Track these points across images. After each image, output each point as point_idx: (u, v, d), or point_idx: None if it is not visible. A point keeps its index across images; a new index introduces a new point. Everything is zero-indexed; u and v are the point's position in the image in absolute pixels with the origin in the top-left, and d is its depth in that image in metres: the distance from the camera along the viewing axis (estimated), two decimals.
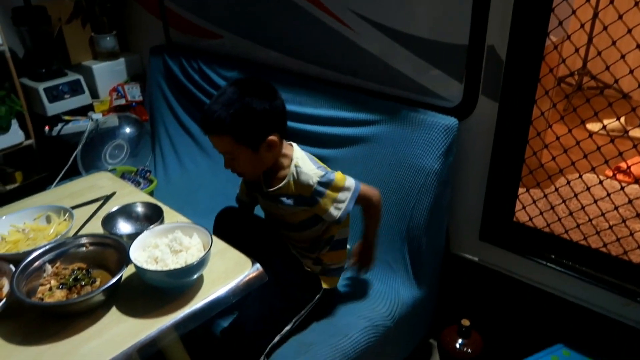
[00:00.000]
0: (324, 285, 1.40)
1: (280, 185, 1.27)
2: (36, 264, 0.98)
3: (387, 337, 1.45)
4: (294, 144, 1.33)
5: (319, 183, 1.24)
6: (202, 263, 0.95)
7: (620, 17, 1.21)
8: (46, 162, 2.36)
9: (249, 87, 1.21)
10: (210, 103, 1.21)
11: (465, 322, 1.60)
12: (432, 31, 1.47)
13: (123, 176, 2.07)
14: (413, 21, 1.50)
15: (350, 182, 1.27)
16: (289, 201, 1.27)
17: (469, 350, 1.59)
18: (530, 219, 1.53)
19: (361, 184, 1.30)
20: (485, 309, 1.71)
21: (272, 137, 1.21)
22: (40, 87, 2.25)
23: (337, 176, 1.26)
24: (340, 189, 1.25)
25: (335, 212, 1.25)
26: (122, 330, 0.90)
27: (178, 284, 0.97)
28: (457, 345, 1.60)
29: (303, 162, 1.27)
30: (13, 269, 0.96)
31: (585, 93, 2.15)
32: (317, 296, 1.37)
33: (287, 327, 1.32)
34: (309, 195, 1.24)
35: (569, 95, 1.48)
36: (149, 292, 0.97)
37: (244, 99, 1.18)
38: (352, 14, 1.62)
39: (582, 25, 1.28)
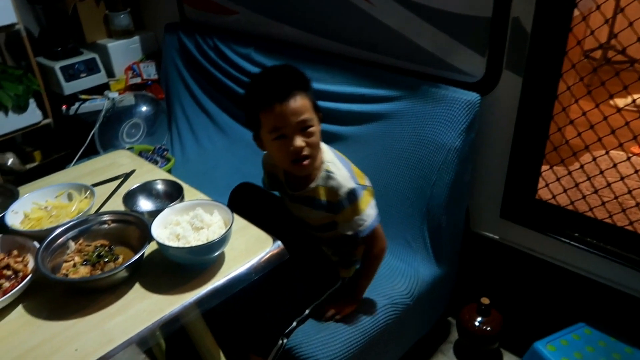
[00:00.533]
0: (342, 275, 1.38)
1: (307, 188, 1.22)
2: (59, 240, 0.98)
3: (406, 315, 1.44)
4: (323, 144, 1.25)
5: (347, 195, 1.18)
6: (223, 240, 0.95)
7: None
8: (64, 141, 2.38)
9: (288, 68, 1.18)
10: (264, 77, 1.18)
11: (485, 301, 1.59)
12: (453, 3, 1.43)
13: (140, 155, 2.07)
14: None
15: (372, 211, 1.22)
16: (320, 207, 1.23)
17: (488, 328, 1.59)
18: (554, 197, 1.50)
19: (378, 225, 1.25)
20: (505, 287, 1.69)
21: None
22: (57, 66, 2.25)
23: (365, 195, 1.20)
24: (361, 211, 1.20)
25: (351, 229, 1.21)
26: (146, 306, 0.90)
27: (200, 261, 0.97)
28: (476, 323, 1.59)
29: (334, 167, 1.21)
30: (37, 245, 0.97)
31: (612, 68, 2.07)
32: (336, 286, 1.36)
33: (306, 312, 1.31)
34: (335, 202, 1.20)
35: (597, 68, 1.43)
36: (171, 269, 0.97)
37: (296, 70, 1.16)
38: None
39: None
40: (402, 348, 1.56)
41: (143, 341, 0.86)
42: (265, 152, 1.31)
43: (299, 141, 1.12)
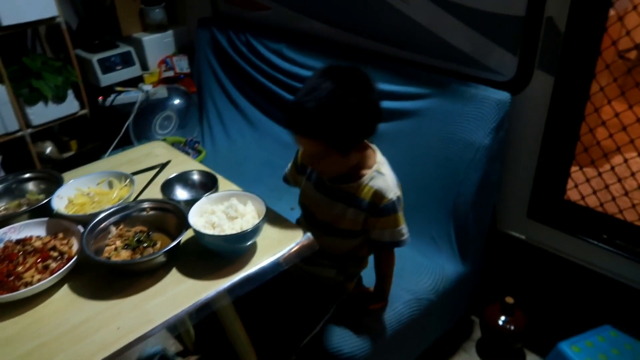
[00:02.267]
0: (348, 289, 1.36)
1: (352, 184, 1.15)
2: (102, 225, 1.04)
3: (430, 311, 1.46)
4: (374, 145, 1.21)
5: (397, 199, 1.13)
6: (256, 230, 0.99)
7: None
8: (99, 132, 2.46)
9: (346, 81, 1.03)
10: (301, 96, 1.04)
11: (509, 300, 1.59)
12: (487, 2, 1.43)
13: (173, 146, 2.13)
14: None
15: (406, 228, 1.19)
16: (358, 206, 1.15)
17: (511, 327, 1.59)
18: (583, 198, 1.49)
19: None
20: (530, 287, 1.69)
21: (365, 141, 1.12)
22: (94, 58, 2.33)
23: (402, 208, 1.17)
24: (403, 221, 1.17)
25: (393, 236, 1.17)
26: (182, 290, 0.95)
27: (234, 249, 1.01)
28: (500, 322, 1.60)
29: (386, 170, 1.16)
30: (81, 229, 1.02)
31: None
32: (342, 298, 1.34)
33: (317, 328, 1.28)
34: (380, 205, 1.13)
35: (631, 69, 1.42)
36: (206, 256, 1.02)
37: (341, 98, 1.00)
38: None
39: None
40: (425, 343, 1.58)
41: (176, 325, 0.90)
42: None
43: (307, 159, 1.14)
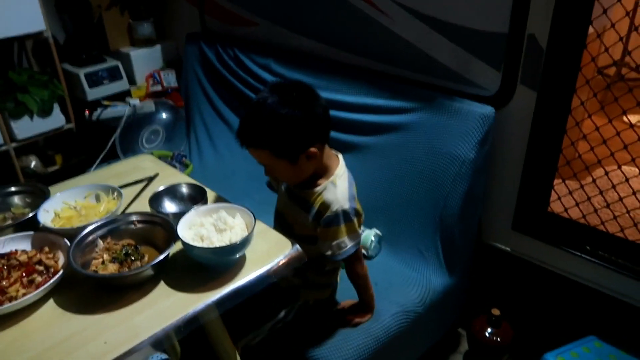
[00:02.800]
0: (315, 297, 1.37)
1: (308, 190, 1.20)
2: (89, 239, 1.03)
3: (417, 323, 1.47)
4: (341, 157, 1.25)
5: (340, 213, 1.16)
6: (245, 242, 0.99)
7: None
8: (85, 146, 2.44)
9: (288, 95, 1.10)
10: (247, 114, 1.14)
11: (496, 312, 1.60)
12: (470, 19, 1.47)
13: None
14: (450, 8, 1.50)
15: (356, 239, 1.20)
16: (309, 211, 1.19)
17: (498, 339, 1.60)
18: (566, 210, 1.52)
19: (359, 252, 1.25)
20: (516, 299, 1.71)
21: (312, 149, 1.12)
22: (81, 72, 2.32)
23: (355, 222, 1.18)
24: (345, 235, 1.18)
25: (331, 249, 1.18)
26: (171, 303, 0.94)
27: (223, 261, 1.01)
28: (487, 334, 1.61)
29: (341, 182, 1.19)
30: (67, 243, 1.02)
31: (626, 84, 2.11)
32: (295, 307, 1.34)
33: (264, 330, 1.30)
34: (323, 216, 1.17)
35: (610, 84, 1.46)
36: (195, 269, 1.01)
37: (282, 110, 1.08)
38: (388, 1, 1.63)
39: (628, 14, 1.26)
40: (413, 356, 1.59)
41: (162, 340, 0.89)
42: None
43: (266, 172, 1.21)
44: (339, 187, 1.18)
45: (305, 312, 1.37)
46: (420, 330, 1.52)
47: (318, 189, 1.19)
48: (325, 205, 1.17)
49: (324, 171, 1.20)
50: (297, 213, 1.23)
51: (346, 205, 1.17)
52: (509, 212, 1.60)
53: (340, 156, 1.26)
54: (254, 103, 1.13)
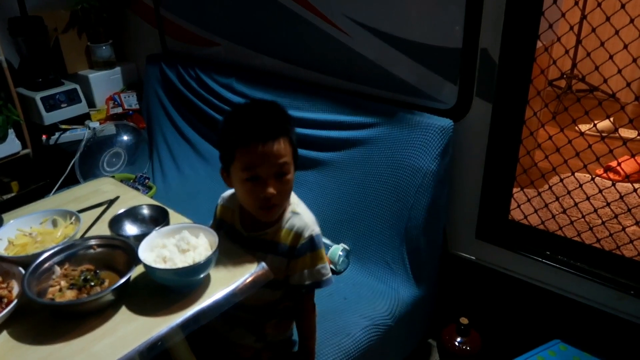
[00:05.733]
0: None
1: (269, 230, 1.11)
2: (45, 265, 0.99)
3: (388, 336, 1.47)
4: None
5: (315, 237, 1.10)
6: (209, 261, 0.97)
7: (607, 19, 1.26)
8: (43, 171, 2.36)
9: (264, 105, 1.10)
10: (248, 111, 1.07)
11: (464, 321, 1.62)
12: (426, 35, 1.51)
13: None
14: (407, 25, 1.54)
15: (328, 267, 1.14)
16: (282, 253, 1.10)
17: (467, 348, 1.62)
18: (525, 217, 1.57)
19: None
20: (483, 306, 1.74)
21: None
22: (37, 96, 2.27)
23: (324, 247, 1.13)
24: (324, 260, 1.12)
25: (312, 277, 1.10)
26: (133, 328, 0.91)
27: (186, 282, 0.99)
28: (457, 344, 1.62)
29: (301, 209, 1.13)
30: (22, 271, 0.97)
31: (575, 95, 2.21)
32: None
33: None
34: (297, 246, 1.09)
35: (560, 95, 1.53)
36: (158, 292, 0.99)
37: (283, 110, 1.08)
38: (347, 19, 1.66)
39: (572, 28, 1.32)
40: None
41: None
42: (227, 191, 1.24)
43: (271, 189, 1.03)
44: (303, 214, 1.12)
45: None
46: (391, 343, 1.52)
47: (282, 223, 1.11)
48: (297, 236, 1.09)
49: None
50: (269, 261, 1.09)
51: (317, 229, 1.11)
52: (472, 222, 1.63)
53: None
54: (252, 102, 1.13)
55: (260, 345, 1.23)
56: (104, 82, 2.50)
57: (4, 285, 0.97)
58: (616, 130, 1.42)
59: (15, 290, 0.97)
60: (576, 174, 1.47)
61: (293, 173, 1.08)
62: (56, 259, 1.01)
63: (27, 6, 2.22)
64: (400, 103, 1.63)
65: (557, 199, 1.55)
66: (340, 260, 1.63)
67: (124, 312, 0.95)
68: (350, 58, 1.70)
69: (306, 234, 1.09)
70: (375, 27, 1.61)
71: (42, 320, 0.93)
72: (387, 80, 1.65)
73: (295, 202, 1.14)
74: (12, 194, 2.36)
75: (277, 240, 1.11)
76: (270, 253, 1.11)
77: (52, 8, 2.37)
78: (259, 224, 1.12)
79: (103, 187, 1.42)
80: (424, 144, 1.51)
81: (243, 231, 1.15)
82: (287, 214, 1.12)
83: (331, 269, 1.62)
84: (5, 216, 1.20)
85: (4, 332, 0.91)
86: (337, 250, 1.64)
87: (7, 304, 0.93)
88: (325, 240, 1.69)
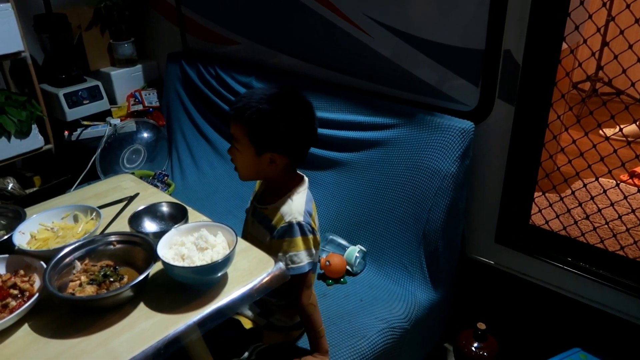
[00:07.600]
0: (270, 340, 1.32)
1: (269, 206, 1.22)
2: (66, 260, 1.00)
3: (403, 339, 1.46)
4: (306, 179, 1.26)
5: (295, 224, 1.16)
6: (227, 260, 0.97)
7: (637, 20, 1.23)
8: (64, 167, 2.40)
9: (290, 99, 1.17)
10: (250, 90, 1.23)
11: (481, 326, 1.60)
12: (448, 36, 1.50)
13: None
14: (429, 26, 1.53)
15: (309, 258, 1.18)
16: (268, 227, 1.20)
17: (484, 354, 1.60)
18: (547, 222, 1.54)
19: (310, 278, 1.21)
20: (501, 312, 1.71)
21: (278, 156, 1.16)
22: (60, 92, 2.30)
23: (310, 240, 1.18)
24: (299, 249, 1.17)
25: (283, 260, 1.16)
26: (150, 325, 0.92)
27: (204, 281, 0.99)
28: (473, 349, 1.60)
29: (297, 197, 1.20)
30: (44, 265, 0.99)
31: (600, 98, 2.16)
32: (258, 348, 1.29)
33: None
34: (277, 227, 1.18)
35: (585, 98, 1.50)
36: (175, 289, 0.99)
37: (276, 104, 1.14)
38: (368, 19, 1.65)
39: (599, 29, 1.29)
40: None
41: None
42: None
43: (230, 149, 1.22)
44: (295, 201, 1.20)
45: (267, 355, 1.30)
46: (406, 347, 1.51)
47: (277, 204, 1.20)
48: (279, 217, 1.18)
49: (287, 189, 1.22)
50: (261, 233, 1.23)
51: (300, 217, 1.17)
52: (491, 226, 1.61)
53: (306, 178, 1.27)
54: (260, 87, 1.20)
55: (262, 322, 1.30)
56: (125, 80, 2.53)
57: (26, 279, 0.99)
58: None
59: (37, 284, 0.98)
60: (600, 179, 1.44)
61: (251, 149, 1.16)
62: (77, 254, 1.02)
63: (51, 3, 2.26)
64: (421, 104, 1.61)
65: (580, 204, 1.52)
66: (357, 262, 1.62)
67: (142, 309, 0.96)
68: (370, 58, 1.69)
69: (287, 218, 1.17)
70: (396, 27, 1.59)
71: (62, 315, 0.94)
72: (407, 81, 1.63)
73: (299, 191, 1.22)
74: (35, 188, 2.40)
75: (269, 217, 1.21)
76: (262, 225, 1.23)
77: (75, 5, 2.41)
78: (265, 200, 1.25)
79: (123, 184, 1.43)
80: (444, 146, 1.49)
81: (255, 202, 1.28)
82: (284, 198, 1.20)
83: (347, 271, 1.62)
84: (27, 210, 1.22)
85: (25, 325, 0.92)
86: (354, 251, 1.63)
87: (29, 297, 0.94)
88: (342, 242, 1.68)
